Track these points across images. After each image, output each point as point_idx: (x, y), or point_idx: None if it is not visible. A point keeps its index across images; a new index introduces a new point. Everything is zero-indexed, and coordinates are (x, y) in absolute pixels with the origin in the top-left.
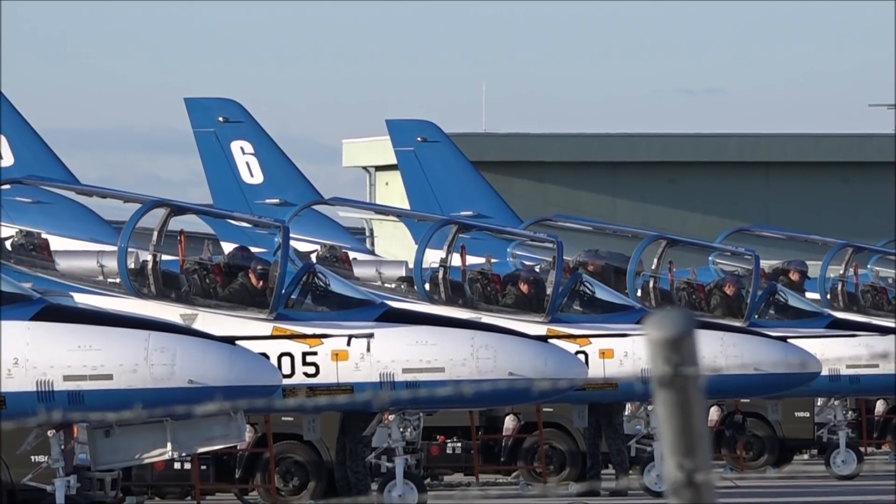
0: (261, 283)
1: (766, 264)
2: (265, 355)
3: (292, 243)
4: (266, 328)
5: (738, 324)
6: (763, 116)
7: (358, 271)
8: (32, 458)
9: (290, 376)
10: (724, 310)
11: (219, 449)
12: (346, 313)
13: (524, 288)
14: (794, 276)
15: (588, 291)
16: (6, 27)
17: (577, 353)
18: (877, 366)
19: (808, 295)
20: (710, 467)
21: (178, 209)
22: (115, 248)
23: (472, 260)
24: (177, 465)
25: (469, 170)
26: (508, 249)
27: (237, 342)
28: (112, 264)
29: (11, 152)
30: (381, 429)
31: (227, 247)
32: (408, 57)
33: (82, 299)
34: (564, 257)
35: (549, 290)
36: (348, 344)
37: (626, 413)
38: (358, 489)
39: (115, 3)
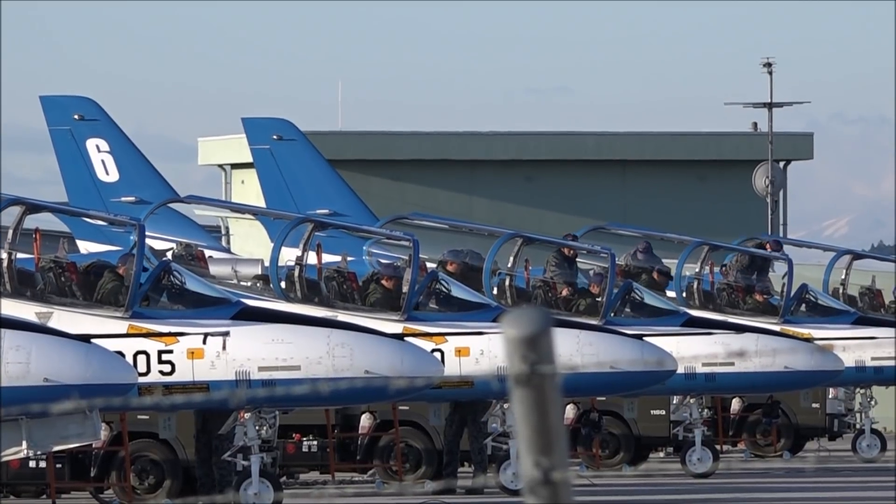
0: (117, 280)
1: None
2: (121, 353)
3: (148, 241)
4: (122, 326)
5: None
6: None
7: (214, 269)
8: None
9: (145, 374)
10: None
11: (74, 447)
12: (201, 311)
13: (381, 286)
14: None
15: (444, 289)
16: None
17: (433, 351)
18: (732, 364)
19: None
20: (567, 465)
21: (33, 207)
22: None
23: (328, 258)
24: (32, 464)
25: (325, 168)
26: (365, 248)
27: (93, 340)
28: None
29: None
30: (237, 427)
31: (83, 245)
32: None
33: None
34: (422, 255)
35: (405, 289)
36: (204, 342)
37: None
38: (222, 485)
39: None
